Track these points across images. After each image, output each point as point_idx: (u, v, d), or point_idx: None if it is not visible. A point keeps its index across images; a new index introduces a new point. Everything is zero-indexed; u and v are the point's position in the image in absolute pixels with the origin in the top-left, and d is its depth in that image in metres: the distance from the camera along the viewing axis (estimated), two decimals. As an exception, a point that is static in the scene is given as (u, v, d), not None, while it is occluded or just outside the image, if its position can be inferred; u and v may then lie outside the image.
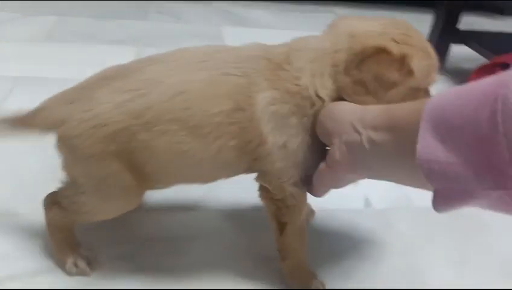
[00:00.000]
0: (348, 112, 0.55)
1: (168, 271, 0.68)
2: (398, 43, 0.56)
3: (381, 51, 0.55)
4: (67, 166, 0.61)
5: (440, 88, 1.41)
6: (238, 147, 0.58)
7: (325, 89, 0.57)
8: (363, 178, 0.59)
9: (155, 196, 0.81)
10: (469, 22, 2.00)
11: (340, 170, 0.56)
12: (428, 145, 0.40)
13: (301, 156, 0.59)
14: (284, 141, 0.58)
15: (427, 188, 0.43)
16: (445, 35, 1.40)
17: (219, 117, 0.56)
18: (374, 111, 0.51)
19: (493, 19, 2.20)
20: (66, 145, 0.58)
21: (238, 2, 1.92)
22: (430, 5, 1.56)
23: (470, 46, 1.40)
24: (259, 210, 0.78)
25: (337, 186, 0.61)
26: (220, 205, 0.83)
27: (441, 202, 0.41)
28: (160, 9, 1.76)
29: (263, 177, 0.62)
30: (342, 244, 0.77)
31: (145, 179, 0.60)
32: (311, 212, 0.80)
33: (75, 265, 0.65)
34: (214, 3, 1.89)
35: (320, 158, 0.58)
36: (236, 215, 0.81)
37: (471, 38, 1.41)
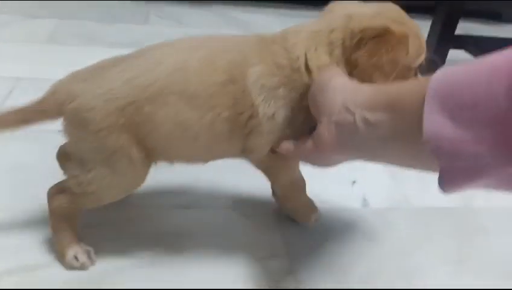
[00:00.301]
0: (339, 90, 0.54)
1: (167, 269, 0.69)
2: (394, 22, 0.58)
3: (385, 32, 0.57)
4: (76, 143, 0.63)
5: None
6: (231, 119, 0.60)
7: (319, 62, 0.59)
8: (351, 160, 0.60)
9: (154, 193, 0.81)
10: (467, 27, 2.02)
11: (327, 151, 0.55)
12: (435, 121, 0.39)
13: (287, 128, 0.62)
14: (272, 112, 0.60)
15: (427, 169, 0.43)
16: (443, 40, 1.41)
17: (213, 88, 0.59)
18: (367, 90, 0.51)
19: (491, 25, 2.21)
20: (77, 119, 0.59)
21: (238, 6, 1.93)
22: (428, 11, 1.57)
23: (468, 51, 1.41)
24: (259, 208, 0.79)
25: (323, 166, 0.62)
26: (220, 203, 0.83)
27: (448, 181, 0.40)
28: (160, 13, 1.77)
29: (249, 153, 0.66)
30: (340, 244, 0.77)
31: (149, 153, 0.62)
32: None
33: (76, 258, 0.66)
34: (214, 7, 1.90)
35: (306, 131, 0.60)
36: (236, 214, 0.81)
37: (469, 43, 1.43)
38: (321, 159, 0.59)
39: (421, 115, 0.40)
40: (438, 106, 0.39)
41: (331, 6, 0.66)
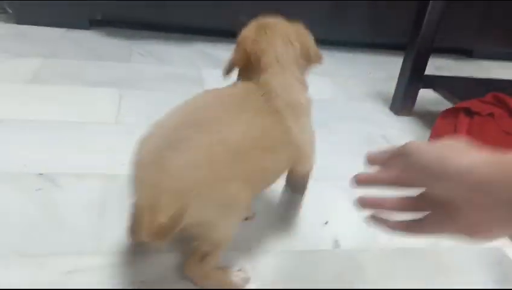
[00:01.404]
0: (501, 186, 0.46)
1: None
2: None
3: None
4: (194, 214, 0.62)
5: (407, 128, 1.45)
6: (287, 160, 0.80)
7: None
8: None
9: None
10: (438, 64, 2.11)
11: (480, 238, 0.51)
12: None
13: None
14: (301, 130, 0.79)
15: None
16: (413, 81, 1.48)
17: (275, 142, 0.74)
18: None
19: (463, 61, 2.32)
20: (184, 197, 0.60)
21: (218, 45, 2.00)
22: (399, 48, 1.65)
23: (436, 91, 1.48)
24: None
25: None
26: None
27: None
28: (142, 51, 1.82)
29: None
30: (311, 284, 0.80)
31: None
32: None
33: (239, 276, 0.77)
34: (195, 46, 1.96)
35: None
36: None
37: (438, 84, 1.50)
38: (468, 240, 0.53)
39: None
40: None
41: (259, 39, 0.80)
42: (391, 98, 1.59)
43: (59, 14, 1.93)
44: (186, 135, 0.64)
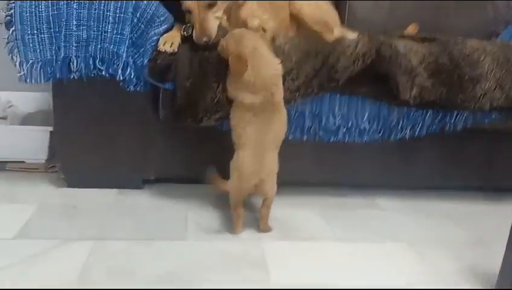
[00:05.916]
0: None
1: None
2: None
3: None
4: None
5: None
6: None
7: None
8: None
9: None
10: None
11: None
12: None
13: None
14: None
15: None
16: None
17: None
18: None
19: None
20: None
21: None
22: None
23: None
24: None
25: None
26: None
27: None
28: (199, 217, 1.67)
29: None
30: None
31: None
32: None
33: None
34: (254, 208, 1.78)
35: None
36: None
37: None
38: None
39: None
40: None
41: None
42: (484, 273, 1.37)
43: (111, 176, 1.85)
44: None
